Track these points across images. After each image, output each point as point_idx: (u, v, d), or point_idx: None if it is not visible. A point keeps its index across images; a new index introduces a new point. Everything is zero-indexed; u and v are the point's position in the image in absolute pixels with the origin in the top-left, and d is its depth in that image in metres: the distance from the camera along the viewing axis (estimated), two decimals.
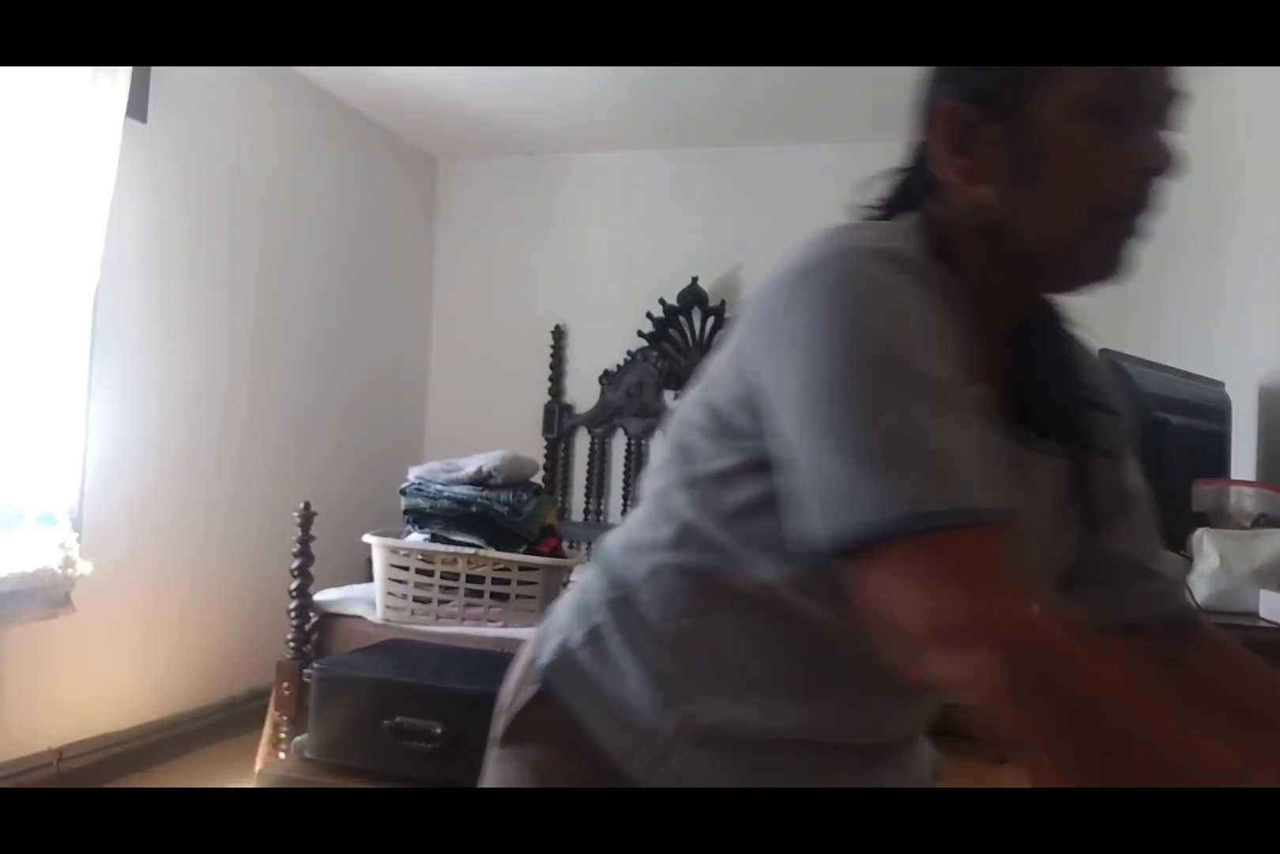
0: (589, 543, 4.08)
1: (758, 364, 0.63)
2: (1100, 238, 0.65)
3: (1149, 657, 0.76)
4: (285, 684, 2.48)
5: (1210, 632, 0.80)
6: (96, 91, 2.49)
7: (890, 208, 0.77)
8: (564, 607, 0.81)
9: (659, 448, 0.76)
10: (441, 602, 2.53)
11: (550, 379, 4.17)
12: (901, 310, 0.59)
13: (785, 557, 0.64)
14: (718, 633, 0.71)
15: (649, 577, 0.73)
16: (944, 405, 0.57)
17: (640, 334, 4.00)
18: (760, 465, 0.64)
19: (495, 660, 2.33)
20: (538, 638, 0.81)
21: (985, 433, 0.61)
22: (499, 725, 0.80)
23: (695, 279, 3.93)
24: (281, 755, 2.42)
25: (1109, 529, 0.77)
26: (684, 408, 0.72)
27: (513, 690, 0.81)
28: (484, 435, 3.92)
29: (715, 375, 0.69)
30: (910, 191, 0.75)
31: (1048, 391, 0.72)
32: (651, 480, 0.76)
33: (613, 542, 0.80)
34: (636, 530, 0.77)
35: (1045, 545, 0.73)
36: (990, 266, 0.68)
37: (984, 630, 0.53)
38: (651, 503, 0.76)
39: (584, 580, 0.81)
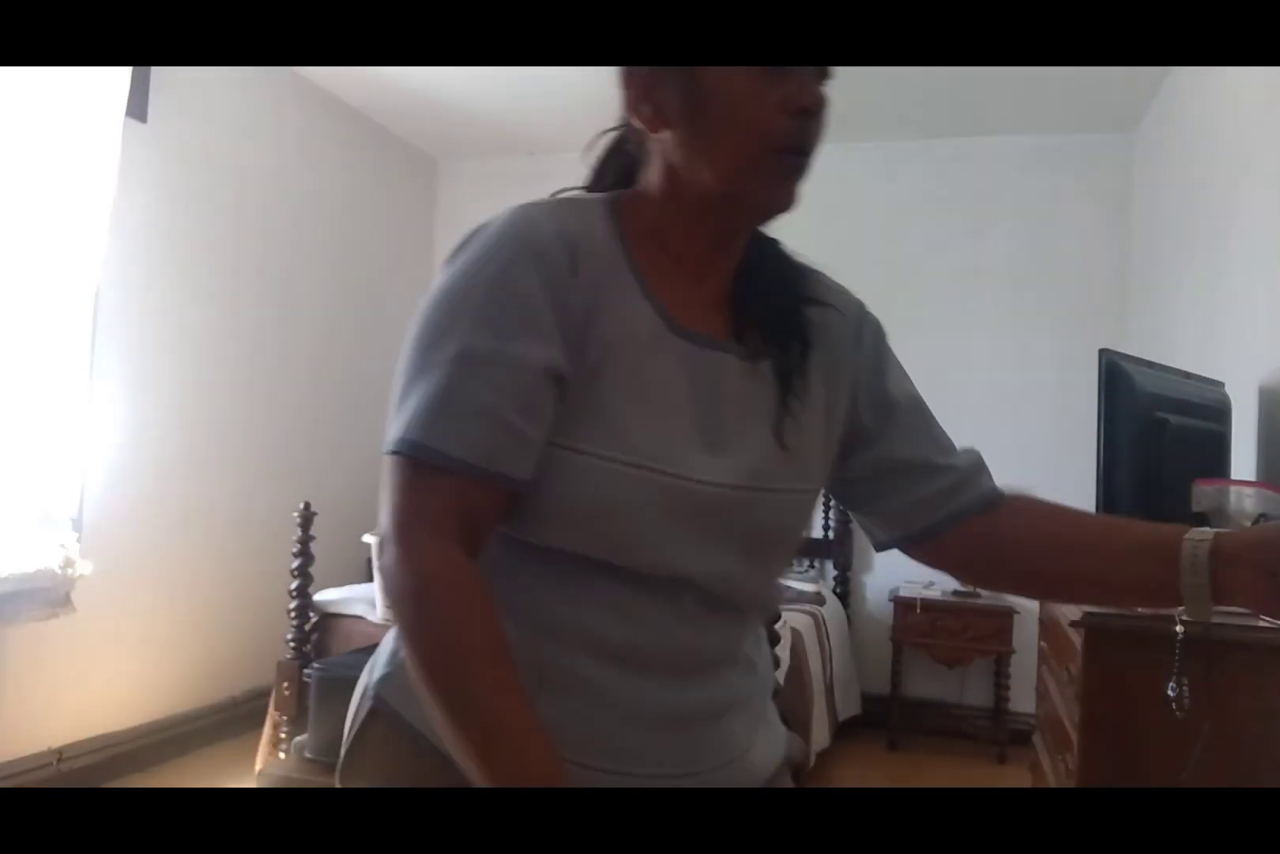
0: None
1: None
2: (768, 174, 0.71)
3: (974, 546, 0.82)
4: (285, 684, 2.48)
5: (1020, 500, 0.84)
6: (96, 91, 2.49)
7: (609, 177, 0.83)
8: (390, 634, 0.81)
9: None
10: None
11: None
12: (491, 281, 0.68)
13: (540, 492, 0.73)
14: (520, 590, 0.72)
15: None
16: (489, 366, 0.67)
17: None
18: None
19: None
20: (372, 660, 0.82)
21: (518, 392, 0.68)
22: (345, 740, 0.81)
23: None
24: (281, 755, 2.42)
25: (883, 438, 0.83)
26: None
27: (351, 713, 0.81)
28: None
29: None
30: (623, 158, 0.82)
31: (767, 304, 0.79)
32: None
33: None
34: None
35: (742, 445, 0.76)
36: (683, 211, 0.75)
37: (395, 541, 0.66)
38: None
39: None
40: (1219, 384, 1.96)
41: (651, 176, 0.76)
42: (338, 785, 0.81)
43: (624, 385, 0.71)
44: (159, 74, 2.84)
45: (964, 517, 0.82)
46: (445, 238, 4.41)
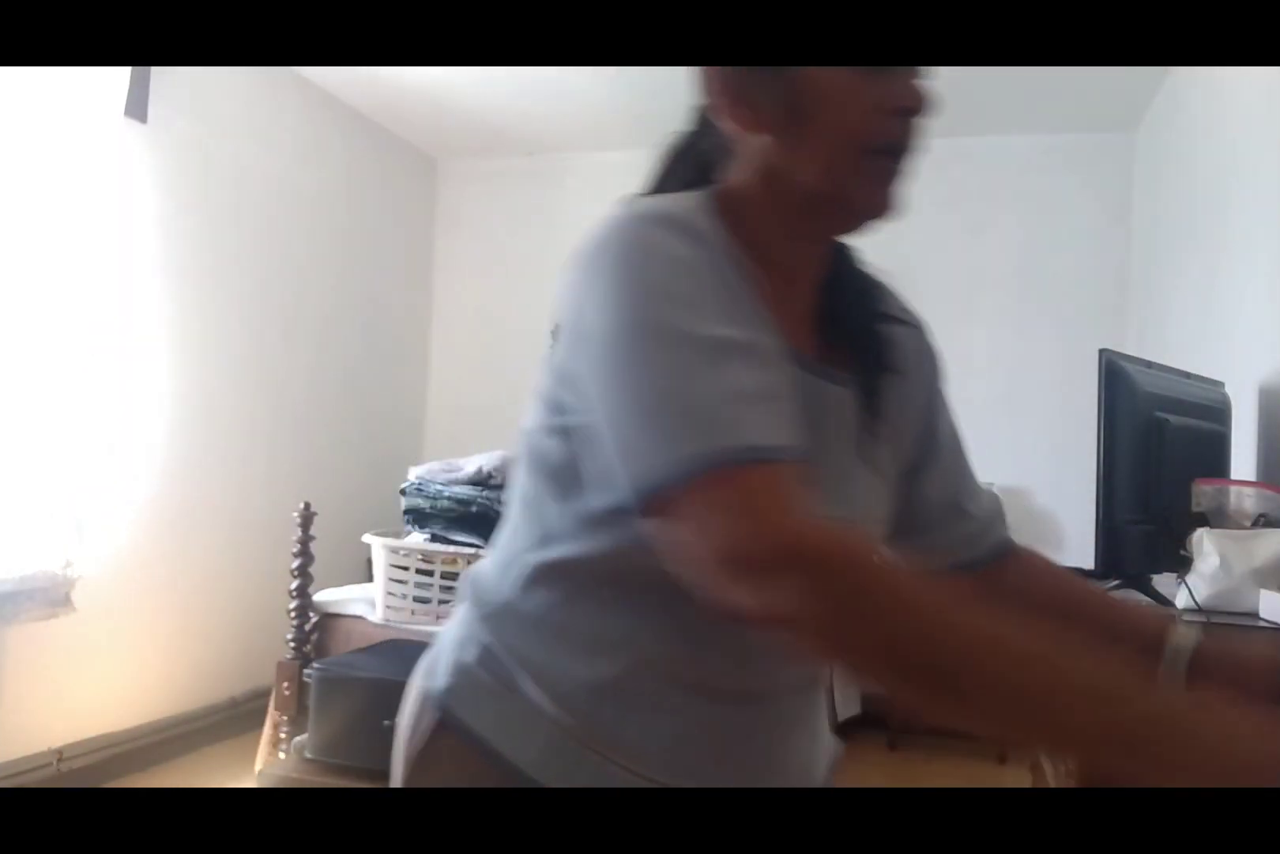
0: None
1: (566, 342, 0.67)
2: (868, 176, 0.69)
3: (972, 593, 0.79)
4: (285, 684, 2.48)
5: (1024, 554, 0.84)
6: (96, 91, 2.49)
7: (682, 180, 0.79)
8: (449, 634, 0.80)
9: (518, 471, 0.77)
10: (441, 602, 2.53)
11: None
12: (670, 271, 0.63)
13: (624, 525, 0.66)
14: (598, 614, 0.71)
15: (525, 583, 0.73)
16: (714, 354, 0.60)
17: None
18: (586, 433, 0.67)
19: None
20: (428, 669, 0.79)
21: (769, 375, 0.63)
22: (400, 759, 0.79)
23: None
24: (281, 755, 2.42)
25: (921, 474, 0.82)
26: (528, 424, 0.74)
27: (410, 723, 0.79)
28: (484, 435, 3.92)
29: (543, 374, 0.71)
30: (699, 158, 0.78)
31: (854, 319, 0.77)
32: (512, 507, 0.77)
33: (482, 566, 0.80)
34: (501, 548, 0.77)
35: (848, 482, 0.75)
36: (779, 215, 0.72)
37: (785, 555, 0.55)
38: (512, 520, 0.76)
39: (464, 608, 0.80)
40: (1219, 384, 1.96)
41: (745, 178, 0.73)
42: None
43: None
44: (159, 74, 2.84)
45: (974, 566, 0.82)
46: (445, 237, 4.41)
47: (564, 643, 0.71)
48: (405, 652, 2.38)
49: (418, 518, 2.62)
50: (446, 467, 2.65)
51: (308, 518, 2.59)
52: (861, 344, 0.76)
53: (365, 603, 2.65)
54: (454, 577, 2.52)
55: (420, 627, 2.52)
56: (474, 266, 4.36)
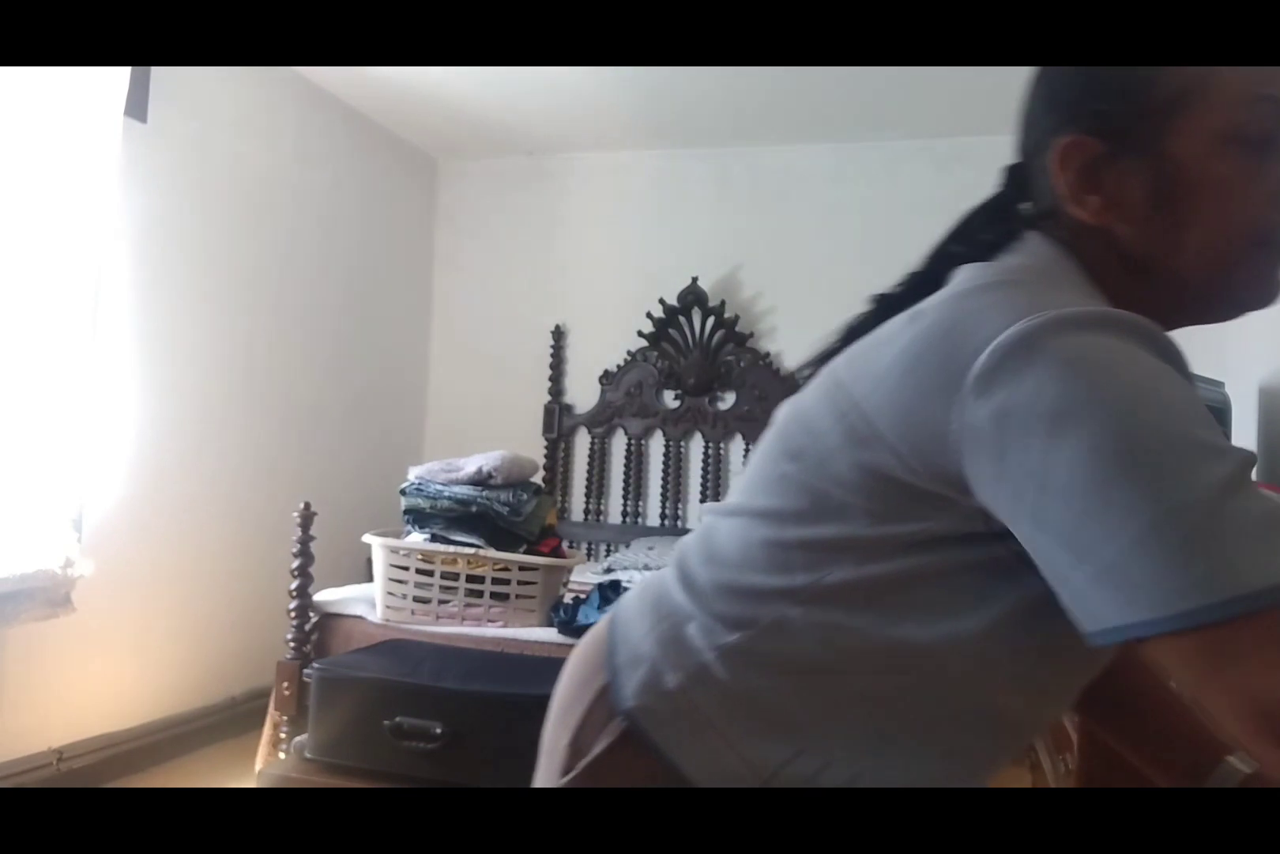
0: (589, 543, 4.08)
1: (986, 444, 0.57)
2: (1254, 266, 0.64)
3: None
4: (285, 684, 2.48)
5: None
6: (96, 91, 2.49)
7: (987, 245, 0.74)
8: (639, 632, 0.75)
9: (762, 488, 0.71)
10: (441, 602, 2.53)
11: (550, 379, 4.17)
12: (1162, 378, 0.56)
13: (958, 620, 0.63)
14: (855, 688, 0.67)
15: (773, 627, 0.68)
16: (1238, 470, 0.52)
17: (640, 334, 4.00)
18: (949, 536, 0.62)
19: (495, 660, 2.33)
20: (608, 665, 0.74)
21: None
22: (565, 759, 0.74)
23: (695, 279, 3.93)
24: (281, 755, 2.42)
25: None
26: (815, 457, 0.67)
27: (580, 717, 0.74)
28: (484, 435, 3.92)
29: (874, 435, 0.63)
30: (1015, 221, 0.73)
31: None
32: (761, 524, 0.70)
33: (701, 574, 0.74)
34: (748, 572, 0.70)
35: None
36: (1135, 303, 0.65)
37: None
38: (764, 548, 0.70)
39: (663, 605, 0.75)
40: (1219, 384, 1.96)
41: (1093, 264, 0.67)
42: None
43: None
44: (159, 74, 2.84)
45: None
46: (444, 238, 4.41)
47: (813, 713, 0.68)
48: (405, 651, 2.38)
49: (418, 518, 2.62)
50: (446, 467, 2.65)
51: (308, 518, 2.59)
52: None
53: (365, 603, 2.65)
54: (454, 577, 2.52)
55: (420, 626, 2.52)
56: (474, 266, 4.36)
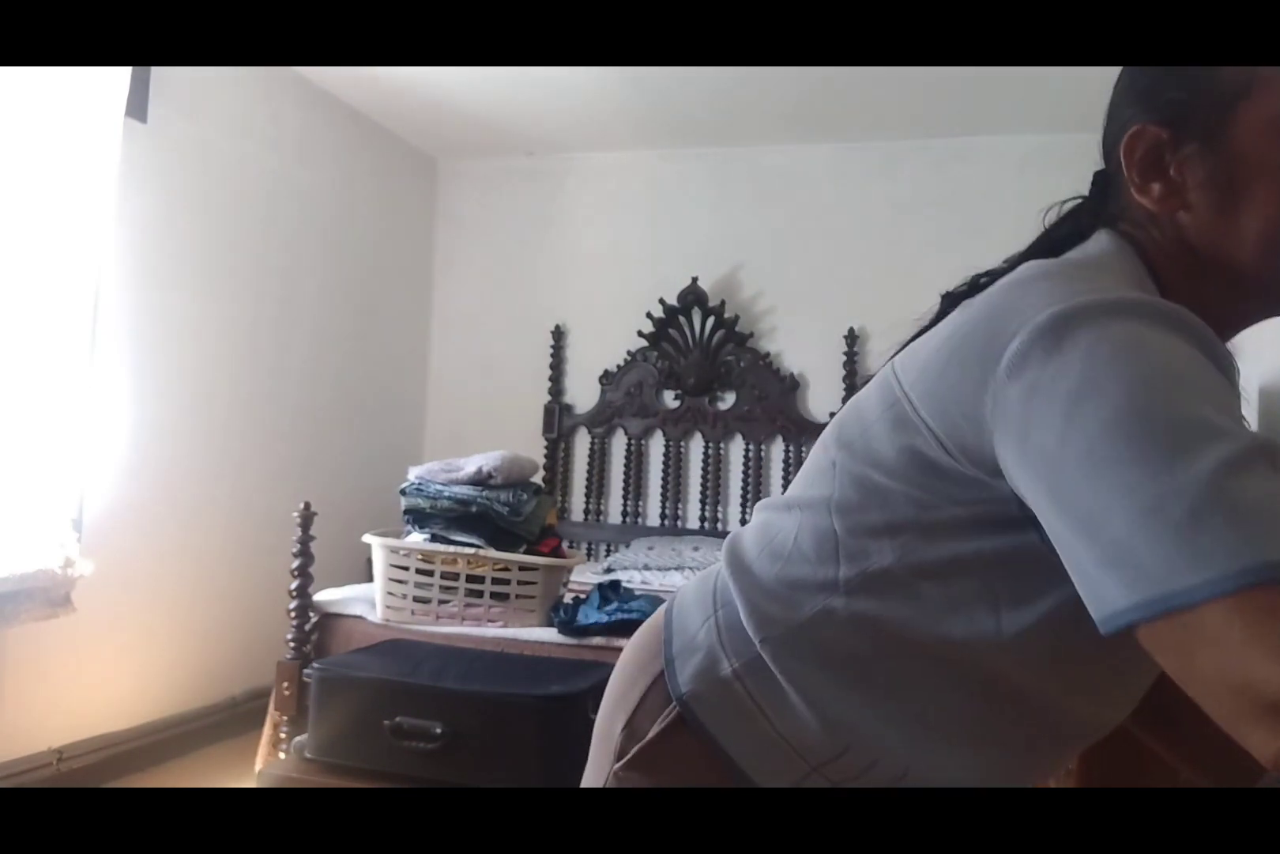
0: (589, 543, 4.08)
1: (1013, 424, 0.57)
2: None
3: None
4: (285, 684, 2.48)
5: None
6: (96, 91, 2.49)
7: (1065, 241, 0.75)
8: (694, 620, 0.77)
9: (815, 478, 0.73)
10: (441, 602, 2.53)
11: (550, 379, 4.17)
12: (1187, 363, 0.55)
13: (999, 617, 0.64)
14: (898, 680, 0.68)
15: (818, 618, 0.69)
16: (1245, 451, 0.51)
17: (640, 334, 4.00)
18: (985, 521, 0.63)
19: (495, 660, 2.33)
20: (664, 652, 0.76)
21: None
22: (620, 743, 0.75)
23: (695, 279, 3.93)
24: (281, 755, 2.42)
25: None
26: (863, 444, 0.68)
27: (636, 701, 0.76)
28: (484, 435, 3.92)
29: (918, 420, 0.64)
30: (1088, 221, 0.74)
31: None
32: (810, 514, 0.72)
33: (755, 563, 0.75)
34: (796, 563, 0.72)
35: None
36: (1199, 295, 0.66)
37: None
38: (809, 537, 0.71)
39: (720, 592, 0.76)
40: None
41: (1156, 256, 0.67)
42: (617, 774, 0.76)
43: None
44: (159, 74, 2.84)
45: None
46: (445, 237, 4.41)
47: (862, 703, 0.69)
48: (405, 651, 2.38)
49: (418, 518, 2.62)
50: (446, 467, 2.65)
51: (308, 518, 2.59)
52: None
53: (365, 603, 2.65)
54: (454, 577, 2.52)
55: (420, 626, 2.52)
56: (474, 266, 4.36)
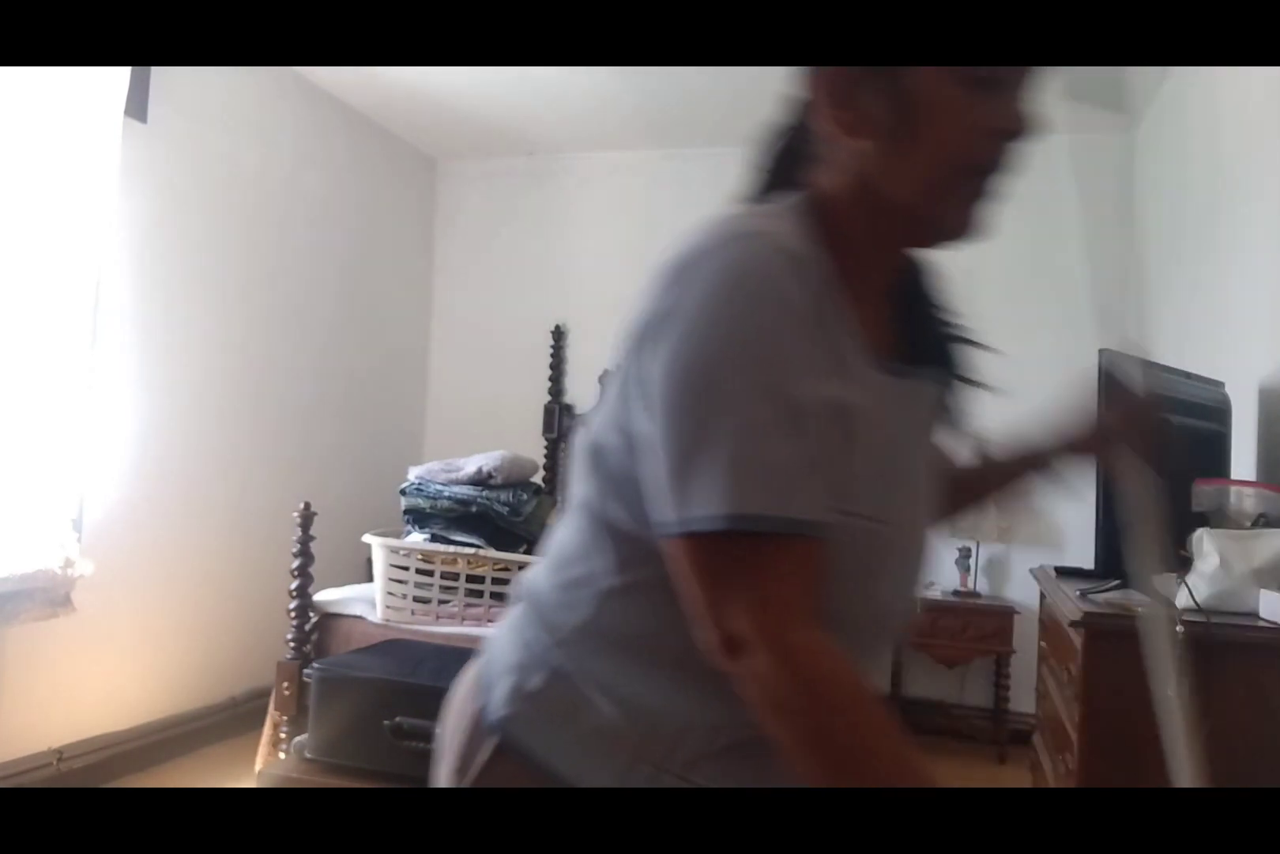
0: None
1: (645, 357, 0.65)
2: (959, 196, 0.69)
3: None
4: (285, 684, 2.48)
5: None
6: (96, 91, 2.49)
7: (773, 178, 0.80)
8: (503, 651, 0.78)
9: (576, 486, 0.76)
10: (441, 602, 2.53)
11: (550, 379, 4.17)
12: (779, 313, 0.62)
13: None
14: (686, 645, 0.67)
15: (600, 609, 0.72)
16: (794, 417, 0.60)
17: None
18: None
19: None
20: (477, 686, 0.78)
21: (828, 445, 0.63)
22: (454, 774, 0.76)
23: None
24: (281, 755, 2.42)
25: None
26: (597, 440, 0.72)
27: (462, 744, 0.76)
28: (484, 435, 3.92)
29: (619, 400, 0.69)
30: (791, 159, 0.78)
31: (925, 332, 0.78)
32: (573, 518, 0.76)
33: (541, 582, 0.78)
34: (572, 564, 0.74)
35: (928, 462, 0.79)
36: (867, 224, 0.71)
37: (764, 643, 0.58)
38: (576, 537, 0.75)
39: (518, 622, 0.79)
40: (1219, 384, 1.96)
41: (839, 183, 0.72)
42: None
43: (856, 434, 0.66)
44: (159, 74, 2.84)
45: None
46: (444, 237, 4.41)
47: (655, 660, 0.71)
48: (405, 651, 2.38)
49: (418, 518, 2.62)
50: (446, 467, 2.65)
51: (308, 518, 2.59)
52: (935, 353, 0.77)
53: (365, 603, 2.65)
54: (454, 577, 2.52)
55: (420, 626, 2.52)
56: (474, 266, 4.36)
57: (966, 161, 0.68)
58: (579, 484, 0.75)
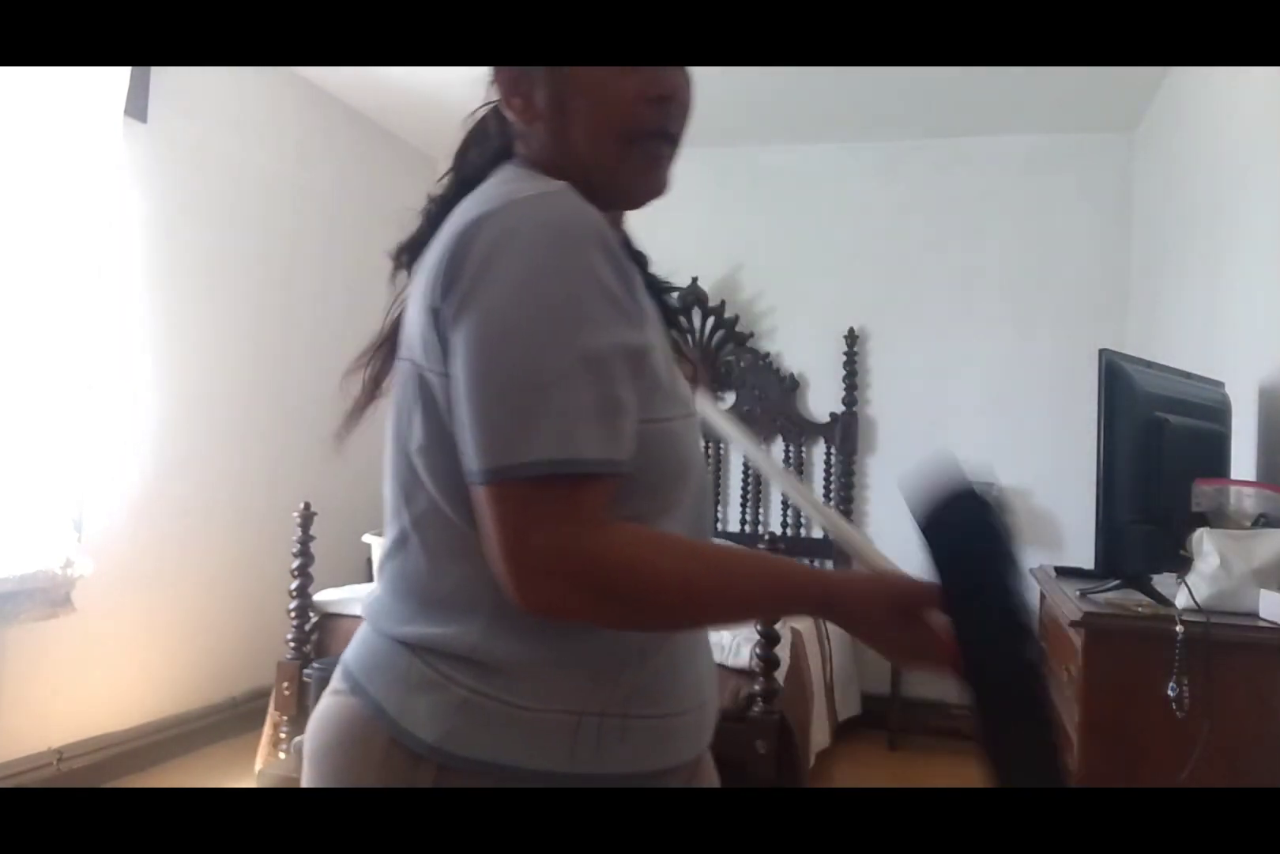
0: None
1: (447, 317, 0.68)
2: (634, 160, 0.76)
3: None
4: (285, 684, 2.48)
5: None
6: (96, 91, 2.49)
7: (482, 156, 0.85)
8: (402, 686, 0.73)
9: (395, 516, 0.77)
10: None
11: None
12: (593, 257, 0.66)
13: None
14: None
15: (459, 591, 0.73)
16: (598, 367, 0.65)
17: None
18: None
19: None
20: (384, 718, 0.72)
21: (641, 383, 0.68)
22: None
23: (695, 279, 3.93)
24: (281, 755, 2.42)
25: None
26: (400, 450, 0.75)
27: (381, 779, 0.70)
28: None
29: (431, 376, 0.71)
30: (498, 140, 0.84)
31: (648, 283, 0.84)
32: (412, 543, 0.75)
33: (391, 619, 0.76)
34: (419, 590, 0.75)
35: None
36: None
37: (565, 563, 0.64)
38: (425, 557, 0.74)
39: (404, 645, 0.74)
40: (1219, 384, 1.96)
41: (540, 160, 0.78)
42: None
43: (658, 348, 0.74)
44: (159, 74, 2.84)
45: None
46: None
47: (543, 630, 0.72)
48: None
49: None
50: None
51: (308, 518, 2.59)
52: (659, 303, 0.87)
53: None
54: None
55: None
56: None
57: (631, 128, 0.74)
58: (398, 514, 0.76)
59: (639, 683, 0.73)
